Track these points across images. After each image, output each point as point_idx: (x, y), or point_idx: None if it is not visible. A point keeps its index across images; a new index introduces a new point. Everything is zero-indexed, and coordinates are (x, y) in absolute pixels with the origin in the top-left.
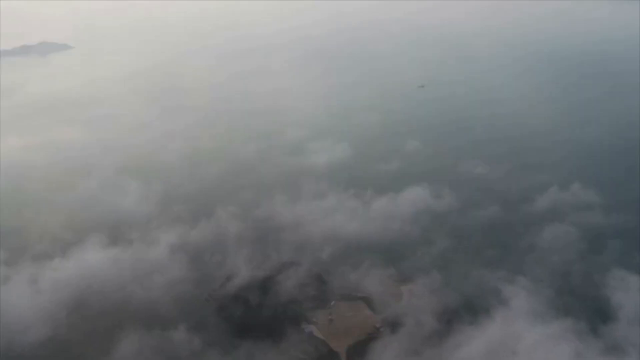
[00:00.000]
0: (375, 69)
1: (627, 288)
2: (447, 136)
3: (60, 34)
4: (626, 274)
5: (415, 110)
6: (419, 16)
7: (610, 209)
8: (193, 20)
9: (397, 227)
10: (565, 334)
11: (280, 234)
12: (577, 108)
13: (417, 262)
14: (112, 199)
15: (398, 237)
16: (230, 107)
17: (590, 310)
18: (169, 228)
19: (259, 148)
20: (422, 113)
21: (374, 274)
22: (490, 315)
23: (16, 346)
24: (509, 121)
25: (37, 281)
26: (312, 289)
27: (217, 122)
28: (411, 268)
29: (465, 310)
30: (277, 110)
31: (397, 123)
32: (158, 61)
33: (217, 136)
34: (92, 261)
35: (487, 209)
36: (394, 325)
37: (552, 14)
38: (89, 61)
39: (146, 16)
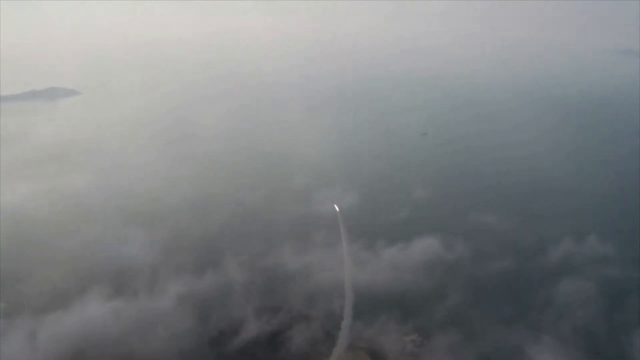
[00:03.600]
0: (378, 115)
1: None
2: (455, 184)
3: (68, 80)
4: None
5: (420, 157)
6: (420, 63)
7: (628, 262)
8: (199, 62)
9: (408, 278)
10: None
11: (289, 284)
12: (587, 157)
13: (431, 316)
14: (116, 247)
15: (410, 289)
16: (237, 153)
17: None
18: (175, 277)
19: (267, 195)
20: (428, 161)
21: (387, 328)
22: None
23: None
24: (517, 168)
25: (36, 335)
26: (323, 346)
27: (224, 168)
28: (425, 322)
29: None
30: (283, 157)
31: (403, 171)
32: (164, 106)
33: (224, 183)
34: (94, 314)
35: (500, 260)
36: None
37: (556, 64)
38: (95, 106)
39: (154, 59)
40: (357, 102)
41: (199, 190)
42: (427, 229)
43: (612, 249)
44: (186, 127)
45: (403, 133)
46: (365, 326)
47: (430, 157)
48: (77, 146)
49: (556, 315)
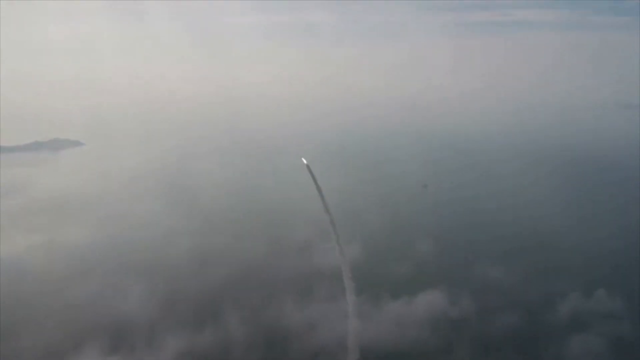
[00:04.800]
0: (377, 167)
1: None
2: (458, 236)
3: (72, 131)
4: None
5: (422, 209)
6: (417, 113)
7: (638, 318)
8: (202, 113)
9: (413, 334)
10: None
11: (292, 340)
12: (592, 210)
13: None
14: (114, 301)
15: (415, 346)
16: (238, 206)
17: None
18: (174, 332)
19: (268, 248)
20: (430, 212)
21: None
22: None
23: None
24: (520, 220)
25: None
26: None
27: (225, 221)
28: None
29: None
30: (284, 209)
31: (406, 223)
32: (166, 158)
33: (225, 235)
34: None
35: (507, 315)
36: None
37: (555, 116)
38: (98, 158)
39: (158, 111)
40: (355, 154)
41: (199, 243)
42: (432, 282)
43: (622, 304)
44: (188, 179)
45: (403, 185)
46: None
47: (432, 208)
48: (78, 198)
49: None
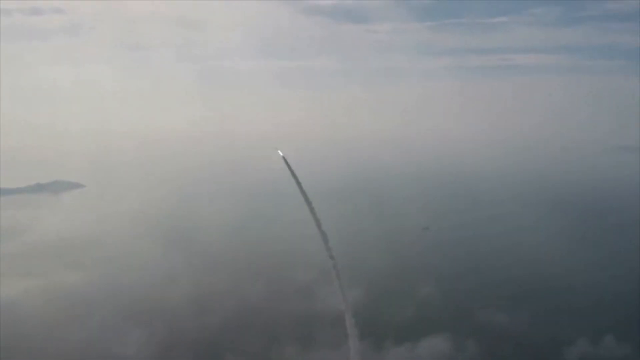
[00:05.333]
0: (378, 209)
1: None
2: (461, 280)
3: (72, 173)
4: None
5: (423, 253)
6: (421, 156)
7: None
8: (202, 156)
9: None
10: None
11: None
12: (596, 253)
13: None
14: (113, 345)
15: None
16: (237, 248)
17: None
18: None
19: (268, 292)
20: (432, 256)
21: None
22: None
23: None
24: (524, 264)
25: None
26: None
27: (224, 263)
28: None
29: None
30: (284, 252)
31: (407, 267)
32: (166, 201)
33: (224, 279)
34: None
35: None
36: None
37: (555, 158)
38: (98, 200)
39: (159, 153)
40: (358, 195)
41: (199, 286)
42: (436, 327)
43: (631, 350)
44: (188, 222)
45: (406, 226)
46: None
47: (434, 251)
48: (78, 240)
49: None
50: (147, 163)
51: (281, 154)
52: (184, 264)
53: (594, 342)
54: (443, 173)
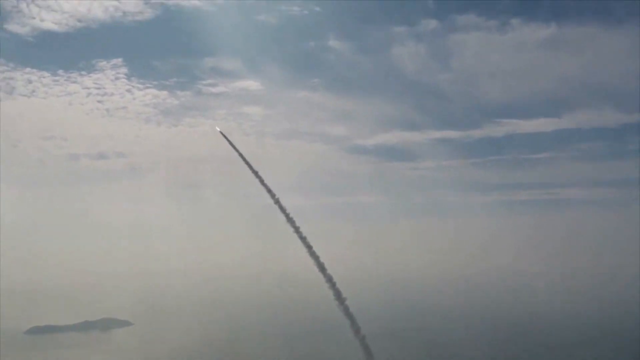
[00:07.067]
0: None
1: None
2: None
3: (121, 311)
4: None
5: None
6: (469, 292)
7: None
8: (251, 291)
9: None
10: None
11: None
12: None
13: None
14: None
15: None
16: None
17: None
18: None
19: None
20: None
21: None
22: None
23: None
24: None
25: None
26: None
27: None
28: None
29: None
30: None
31: None
32: (216, 336)
33: None
34: None
35: None
36: None
37: (609, 294)
38: (147, 338)
39: (208, 291)
40: (410, 332)
41: None
42: None
43: None
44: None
45: None
46: None
47: None
48: None
49: None
50: (199, 301)
51: (218, 129)
52: None
53: None
54: (498, 309)
